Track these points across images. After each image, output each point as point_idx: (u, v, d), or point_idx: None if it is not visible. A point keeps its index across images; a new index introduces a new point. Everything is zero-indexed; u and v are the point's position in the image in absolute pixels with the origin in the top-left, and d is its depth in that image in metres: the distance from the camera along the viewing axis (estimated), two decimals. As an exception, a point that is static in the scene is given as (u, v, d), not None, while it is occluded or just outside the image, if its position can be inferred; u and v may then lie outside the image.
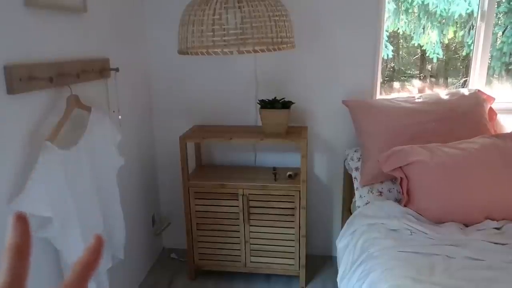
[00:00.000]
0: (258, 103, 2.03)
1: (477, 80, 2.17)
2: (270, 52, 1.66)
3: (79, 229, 1.33)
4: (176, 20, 1.78)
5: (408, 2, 4.38)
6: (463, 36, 4.52)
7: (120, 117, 1.77)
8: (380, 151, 1.87)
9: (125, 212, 2.00)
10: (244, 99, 2.24)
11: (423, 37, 4.44)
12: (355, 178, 2.01)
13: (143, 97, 2.24)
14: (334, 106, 2.18)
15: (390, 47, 4.45)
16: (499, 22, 3.94)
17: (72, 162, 1.36)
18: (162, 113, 2.34)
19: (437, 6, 4.23)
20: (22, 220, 0.30)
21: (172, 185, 2.41)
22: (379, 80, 2.18)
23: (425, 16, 4.43)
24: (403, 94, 2.42)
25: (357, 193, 1.95)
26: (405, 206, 1.74)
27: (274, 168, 2.21)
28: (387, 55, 4.30)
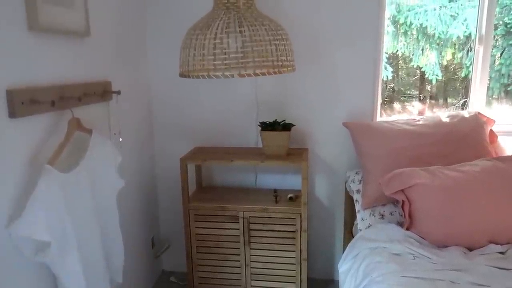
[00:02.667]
0: (258, 125, 2.04)
1: (477, 102, 2.18)
2: (270, 75, 1.68)
3: (78, 254, 1.32)
4: (177, 43, 1.81)
5: (406, 25, 4.44)
6: (461, 57, 4.57)
7: (121, 139, 1.78)
8: (381, 173, 1.86)
9: (125, 234, 1.98)
10: (245, 121, 2.25)
11: (422, 59, 4.48)
12: (356, 200, 1.99)
13: (145, 119, 2.25)
14: (335, 128, 2.18)
15: (390, 68, 4.49)
16: (497, 44, 3.99)
17: (72, 185, 1.35)
18: (163, 135, 2.34)
19: (435, 29, 4.29)
20: None
21: (173, 207, 2.39)
22: (379, 101, 2.19)
23: (424, 38, 4.49)
24: (404, 116, 2.43)
25: (358, 216, 1.94)
26: (407, 229, 1.72)
27: (275, 190, 2.20)
28: (387, 76, 4.33)
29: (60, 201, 1.26)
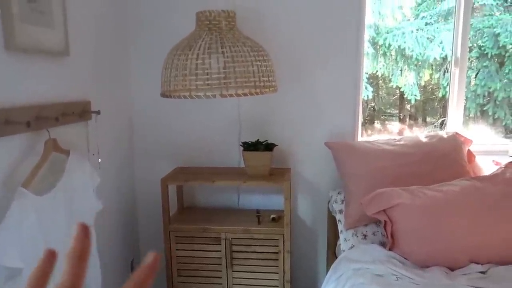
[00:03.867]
0: (241, 145, 2.03)
1: (454, 122, 2.23)
2: (252, 95, 1.68)
3: (52, 281, 1.26)
4: (160, 63, 1.80)
5: (385, 46, 4.55)
6: (438, 78, 4.69)
7: (99, 160, 1.74)
8: (363, 193, 1.87)
9: (103, 257, 1.92)
10: (227, 141, 2.24)
11: (400, 79, 4.59)
12: (339, 221, 1.99)
13: (125, 139, 2.21)
14: (317, 147, 2.19)
15: (370, 88, 4.57)
16: (472, 65, 4.12)
17: (48, 207, 1.31)
18: (144, 155, 2.31)
19: (412, 50, 4.41)
20: (84, 230, 0.36)
21: (153, 228, 2.34)
22: (360, 121, 2.21)
23: (402, 59, 4.61)
24: (384, 136, 2.46)
25: (341, 236, 1.93)
26: (390, 249, 1.72)
27: (258, 211, 2.18)
28: (367, 96, 4.40)
29: (34, 225, 1.22)
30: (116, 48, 2.08)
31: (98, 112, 1.69)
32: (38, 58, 1.41)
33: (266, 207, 2.27)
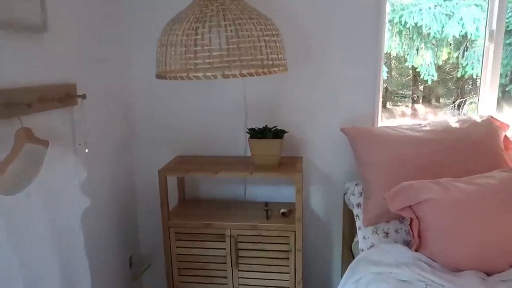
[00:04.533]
0: (247, 132, 1.82)
1: (486, 104, 1.99)
2: (259, 76, 1.46)
3: (26, 293, 1.08)
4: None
5: (401, 24, 4.26)
6: (457, 57, 4.40)
7: (87, 150, 1.54)
8: (384, 186, 1.66)
9: (99, 254, 1.75)
10: (233, 127, 2.03)
11: (417, 59, 4.31)
12: (357, 216, 1.78)
13: (121, 126, 2.01)
14: (332, 134, 1.97)
15: (385, 69, 4.30)
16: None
17: (21, 208, 1.12)
18: (143, 143, 2.11)
19: (430, 28, 4.12)
20: None
21: (154, 222, 2.15)
22: (380, 105, 1.98)
23: (419, 38, 4.32)
24: (406, 120, 2.23)
25: (359, 234, 1.73)
26: (416, 250, 1.52)
27: (266, 204, 1.98)
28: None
29: (2, 230, 1.03)
30: (109, 22, 1.86)
31: (83, 96, 1.49)
32: (8, 34, 1.21)
33: (275, 200, 2.07)
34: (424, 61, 4.21)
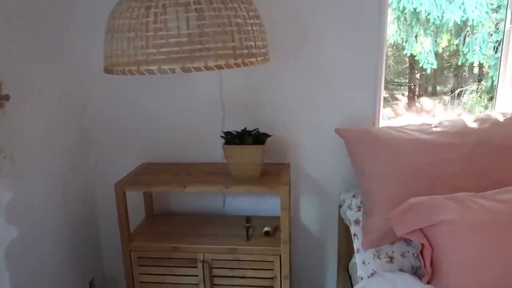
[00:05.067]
0: (222, 136, 1.51)
1: (506, 99, 1.69)
2: (231, 68, 1.15)
3: None
4: (101, 25, 1.26)
5: (399, 10, 3.95)
6: (457, 44, 4.10)
7: (14, 164, 1.23)
8: (388, 201, 1.37)
9: (51, 281, 1.45)
10: (208, 129, 1.72)
11: (415, 46, 4.03)
12: (354, 235, 1.49)
13: (72, 132, 1.70)
14: (325, 137, 1.67)
15: (383, 57, 3.99)
16: (498, 29, 3.53)
17: None
18: (102, 150, 1.80)
19: (429, 14, 3.80)
20: None
21: (118, 242, 1.85)
22: (382, 102, 1.68)
23: (418, 24, 4.03)
24: (412, 119, 1.93)
25: (358, 257, 1.43)
26: (428, 283, 1.22)
27: (248, 219, 1.68)
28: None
29: None
30: (47, 6, 1.53)
31: (6, 98, 1.17)
32: None
33: (259, 213, 1.77)
34: (423, 49, 3.93)
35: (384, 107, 2.71)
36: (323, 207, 1.76)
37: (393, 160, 1.41)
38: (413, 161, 1.40)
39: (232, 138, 1.47)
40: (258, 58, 1.22)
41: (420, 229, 1.22)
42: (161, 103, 1.72)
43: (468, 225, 1.17)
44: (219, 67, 1.12)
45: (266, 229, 1.55)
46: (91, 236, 1.83)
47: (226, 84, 1.67)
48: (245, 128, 1.52)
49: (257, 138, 1.46)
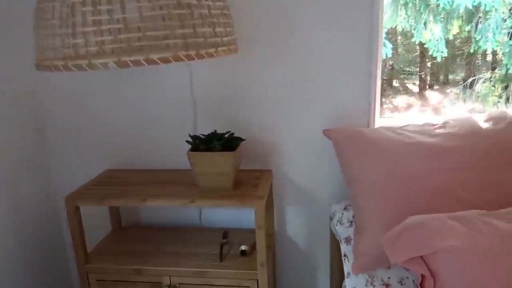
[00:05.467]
0: (187, 141, 1.29)
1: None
2: (181, 62, 0.93)
3: None
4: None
5: (407, -5, 3.68)
6: (469, 31, 3.81)
7: None
8: (382, 217, 1.15)
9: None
10: (178, 132, 1.50)
11: (424, 33, 3.77)
12: (344, 256, 1.27)
13: (26, 137, 1.50)
14: (313, 138, 1.45)
15: (389, 45, 3.76)
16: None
17: None
18: (62, 156, 1.60)
19: (439, -1, 3.53)
20: None
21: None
22: (378, 97, 1.44)
23: (427, 10, 3.77)
24: (413, 117, 1.69)
25: (348, 283, 1.22)
26: (430, 320, 1.00)
27: (225, 234, 1.47)
28: (386, 54, 3.60)
29: None
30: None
31: None
32: None
33: (240, 225, 1.56)
34: (433, 36, 3.67)
35: (394, 97, 2.42)
36: (312, 219, 1.54)
37: (389, 168, 1.18)
38: (413, 169, 1.16)
39: (199, 143, 1.25)
40: (220, 49, 1.00)
41: (421, 256, 1.00)
42: (126, 103, 1.51)
43: (478, 252, 0.94)
44: (165, 61, 0.90)
45: (243, 247, 1.34)
46: (56, 251, 1.65)
47: (197, 80, 1.45)
48: (215, 131, 1.30)
49: (228, 143, 1.24)
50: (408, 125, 1.35)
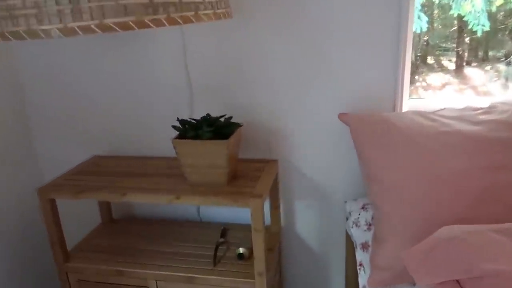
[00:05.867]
0: (173, 127, 1.09)
1: None
2: (150, 28, 0.72)
3: None
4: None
5: (445, -39, 3.30)
6: (515, 2, 3.40)
7: None
8: (408, 224, 0.93)
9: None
10: (173, 115, 1.31)
11: (464, 5, 3.40)
12: (360, 266, 1.06)
13: (9, 121, 1.35)
14: (327, 122, 1.22)
15: (425, 18, 3.42)
16: None
17: None
18: (49, 140, 1.44)
19: (481, -36, 3.13)
20: None
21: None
22: (407, 76, 1.19)
23: (467, -22, 3.38)
24: (449, 96, 1.45)
25: (363, 299, 1.01)
26: None
27: (224, 232, 1.29)
28: (421, 28, 3.28)
29: None
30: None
31: None
32: None
33: (241, 221, 1.37)
34: (474, 8, 3.30)
35: (428, 74, 2.15)
36: (325, 217, 1.33)
37: (418, 163, 0.95)
38: (450, 166, 0.93)
39: (187, 130, 1.05)
40: (202, 13, 0.79)
41: (457, 280, 0.78)
42: (114, 84, 1.32)
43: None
44: (125, 27, 0.70)
45: (241, 250, 1.15)
46: (39, 252, 1.52)
47: (193, 55, 1.24)
48: (207, 114, 1.09)
49: (222, 129, 1.04)
50: (444, 109, 1.10)
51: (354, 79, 1.16)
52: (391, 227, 0.97)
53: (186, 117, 1.29)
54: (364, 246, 1.08)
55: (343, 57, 1.15)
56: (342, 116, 1.13)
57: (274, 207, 1.28)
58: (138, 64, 1.28)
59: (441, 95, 1.57)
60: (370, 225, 1.11)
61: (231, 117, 1.11)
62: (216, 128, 1.03)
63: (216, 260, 1.15)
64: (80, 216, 1.48)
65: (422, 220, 0.91)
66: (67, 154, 1.43)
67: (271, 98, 1.23)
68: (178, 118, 1.09)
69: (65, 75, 1.35)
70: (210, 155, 1.02)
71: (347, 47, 1.14)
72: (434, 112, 1.08)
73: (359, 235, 1.11)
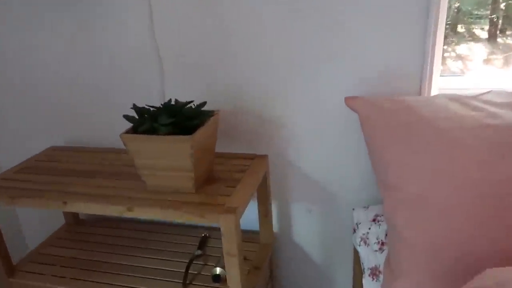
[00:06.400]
0: (125, 116, 0.84)
1: None
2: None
3: None
4: None
5: None
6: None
7: None
8: (439, 255, 0.67)
9: None
10: (139, 99, 1.06)
11: (500, -32, 3.01)
12: (368, 299, 0.81)
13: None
14: (330, 110, 0.95)
15: (458, -17, 3.03)
16: None
17: None
18: (7, 128, 1.22)
19: None
20: None
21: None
22: (439, 51, 0.89)
23: None
24: (492, 74, 1.15)
25: None
26: None
27: (204, 240, 1.06)
28: (452, -8, 2.89)
29: None
30: None
31: None
32: None
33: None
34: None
35: (458, 44, 1.81)
36: (329, 224, 1.07)
37: (455, 168, 0.68)
38: (500, 173, 0.65)
39: (146, 120, 0.80)
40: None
41: None
42: (80, 62, 1.08)
43: None
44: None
45: (217, 270, 0.91)
46: None
47: (161, 24, 0.97)
48: (169, 100, 0.83)
49: (187, 121, 0.78)
50: (490, 92, 0.81)
51: (370, 53, 0.88)
52: (412, 255, 0.71)
53: (157, 103, 1.04)
54: (374, 273, 0.83)
55: (356, 25, 0.86)
56: (349, 101, 0.86)
57: (264, 214, 1.03)
58: (103, 37, 1.02)
59: (481, 72, 1.25)
60: (382, 244, 0.85)
61: (204, 103, 0.85)
62: (179, 119, 0.77)
63: (185, 281, 0.92)
64: (42, 214, 1.27)
65: (458, 251, 0.65)
66: (22, 145, 1.21)
67: (263, 78, 0.96)
68: (134, 105, 0.83)
69: (28, 60, 1.11)
70: (170, 154, 0.77)
71: (362, 12, 0.85)
72: (476, 97, 0.79)
73: (368, 257, 0.86)
